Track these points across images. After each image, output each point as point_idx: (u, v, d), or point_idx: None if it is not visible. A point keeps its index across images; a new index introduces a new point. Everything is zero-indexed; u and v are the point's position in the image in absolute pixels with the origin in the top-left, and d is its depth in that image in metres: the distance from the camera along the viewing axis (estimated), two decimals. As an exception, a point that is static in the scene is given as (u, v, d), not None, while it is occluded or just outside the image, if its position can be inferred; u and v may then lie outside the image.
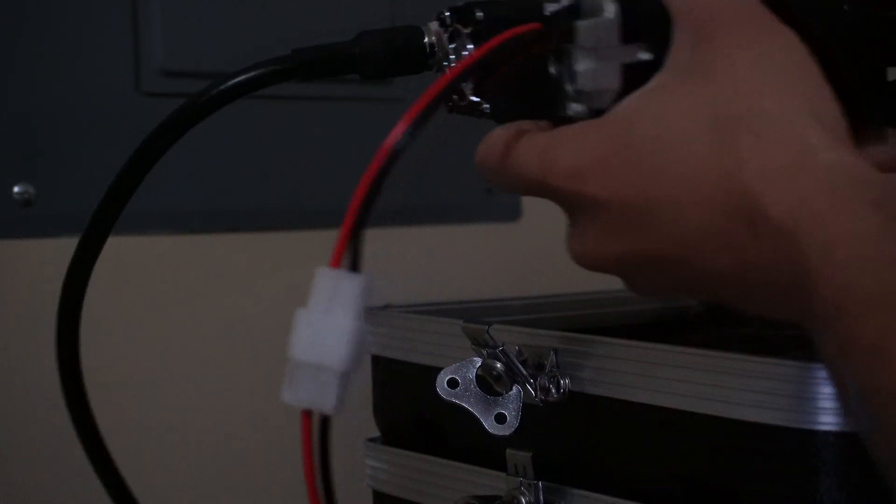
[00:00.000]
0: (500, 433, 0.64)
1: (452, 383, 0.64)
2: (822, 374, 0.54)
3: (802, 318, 0.42)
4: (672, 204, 0.44)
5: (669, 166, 0.44)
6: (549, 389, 0.64)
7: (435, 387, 0.66)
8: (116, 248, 0.96)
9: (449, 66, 0.53)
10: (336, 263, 0.48)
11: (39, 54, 0.91)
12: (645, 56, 0.49)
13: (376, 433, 0.82)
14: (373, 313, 0.81)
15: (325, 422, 0.46)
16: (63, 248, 0.95)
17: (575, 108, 0.51)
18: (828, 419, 0.55)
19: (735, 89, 0.44)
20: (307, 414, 0.46)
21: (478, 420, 0.64)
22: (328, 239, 1.12)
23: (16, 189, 0.91)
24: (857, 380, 0.40)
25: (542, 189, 0.48)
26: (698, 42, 0.46)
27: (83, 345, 0.94)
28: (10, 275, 0.92)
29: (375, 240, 1.13)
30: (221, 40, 0.98)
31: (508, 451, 0.67)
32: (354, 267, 0.48)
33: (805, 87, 0.44)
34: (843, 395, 0.42)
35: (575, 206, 0.47)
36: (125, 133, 0.95)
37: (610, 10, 0.49)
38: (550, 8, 0.51)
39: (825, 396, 0.54)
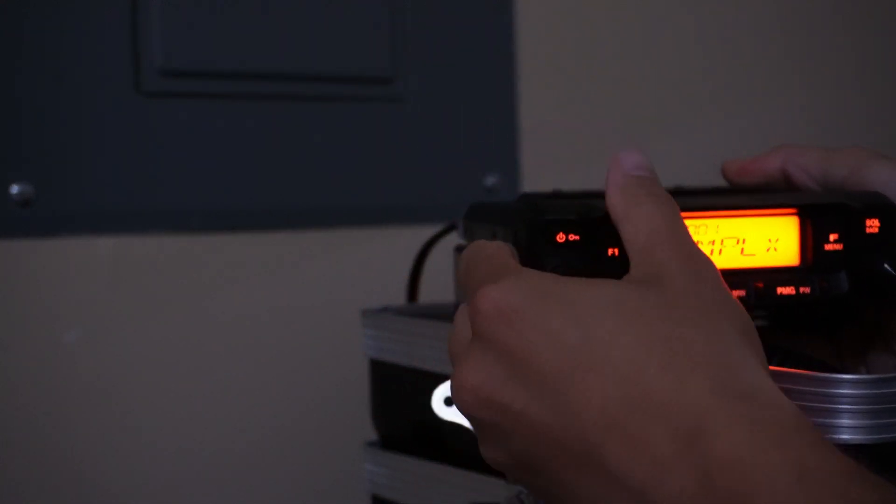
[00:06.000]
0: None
1: (449, 401, 0.64)
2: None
3: None
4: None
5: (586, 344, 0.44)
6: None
7: (434, 389, 0.65)
8: (115, 247, 0.96)
9: None
10: None
11: (39, 54, 0.91)
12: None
13: (375, 437, 0.82)
14: (370, 316, 0.81)
15: None
16: (62, 249, 0.95)
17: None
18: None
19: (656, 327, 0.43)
20: None
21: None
22: (328, 239, 1.13)
23: (15, 189, 0.90)
24: None
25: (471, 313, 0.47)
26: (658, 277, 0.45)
27: (83, 344, 0.94)
28: (9, 275, 0.92)
29: (375, 240, 1.14)
30: (221, 40, 0.97)
31: (507, 457, 0.67)
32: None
33: (714, 350, 0.43)
34: None
35: (482, 337, 0.46)
36: (125, 133, 0.95)
37: None
38: None
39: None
